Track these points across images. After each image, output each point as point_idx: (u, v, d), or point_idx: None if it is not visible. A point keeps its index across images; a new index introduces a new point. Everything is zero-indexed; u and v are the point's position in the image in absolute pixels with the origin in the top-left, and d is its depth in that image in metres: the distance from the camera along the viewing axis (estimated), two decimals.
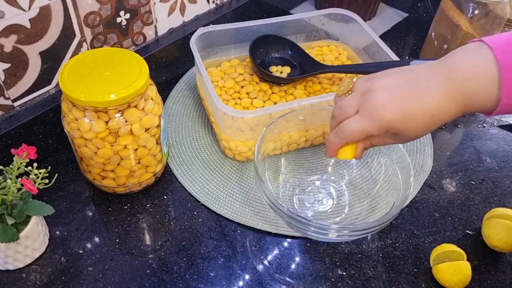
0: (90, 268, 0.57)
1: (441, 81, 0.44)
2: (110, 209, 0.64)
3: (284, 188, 0.67)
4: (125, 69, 0.56)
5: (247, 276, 0.58)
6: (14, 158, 0.52)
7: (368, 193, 0.66)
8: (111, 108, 0.54)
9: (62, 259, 0.58)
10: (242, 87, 0.73)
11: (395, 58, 0.71)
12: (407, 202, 0.67)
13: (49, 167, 0.54)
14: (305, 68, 0.76)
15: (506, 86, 0.41)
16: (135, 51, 0.67)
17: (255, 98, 0.71)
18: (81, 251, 0.59)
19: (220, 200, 0.65)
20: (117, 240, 0.60)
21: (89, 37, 0.69)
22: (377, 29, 1.02)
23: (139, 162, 0.61)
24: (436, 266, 0.58)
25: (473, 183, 0.71)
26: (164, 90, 0.82)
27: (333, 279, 0.58)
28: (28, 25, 0.60)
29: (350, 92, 0.50)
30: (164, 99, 0.79)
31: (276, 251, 0.61)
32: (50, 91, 0.68)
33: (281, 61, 0.78)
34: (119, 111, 0.55)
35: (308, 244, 0.62)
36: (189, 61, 0.85)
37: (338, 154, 0.51)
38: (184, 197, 0.66)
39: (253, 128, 0.66)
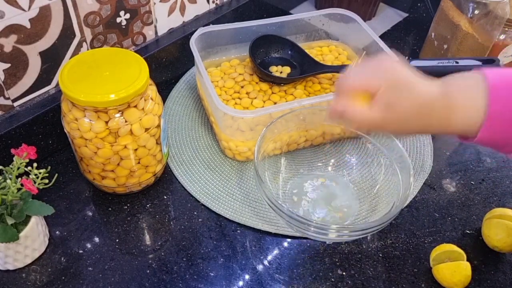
0: (90, 268, 0.57)
1: (436, 85, 0.46)
2: (110, 209, 0.64)
3: (284, 188, 0.67)
4: (125, 69, 0.56)
5: (247, 276, 0.58)
6: (14, 158, 0.52)
7: (368, 193, 0.66)
8: (111, 108, 0.54)
9: (62, 259, 0.58)
10: (242, 87, 0.73)
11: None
12: (407, 202, 0.67)
13: (49, 167, 0.54)
14: (305, 68, 0.76)
15: (493, 99, 0.42)
16: (135, 51, 0.67)
17: (255, 98, 0.71)
18: (81, 251, 0.59)
19: (220, 200, 0.65)
20: (117, 240, 0.60)
21: (89, 37, 0.69)
22: (377, 29, 1.02)
23: (139, 162, 0.61)
24: (436, 266, 0.58)
25: (473, 183, 0.71)
26: (164, 90, 0.82)
27: (333, 279, 0.58)
28: (28, 25, 0.60)
29: None
30: (164, 99, 0.79)
31: (276, 251, 0.61)
32: (50, 91, 0.68)
33: (281, 61, 0.78)
34: (119, 111, 0.55)
35: (308, 244, 0.62)
36: (189, 61, 0.85)
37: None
38: (184, 197, 0.66)
39: (253, 128, 0.66)
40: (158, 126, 0.60)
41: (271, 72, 0.75)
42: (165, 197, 0.66)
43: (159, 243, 0.61)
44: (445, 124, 0.45)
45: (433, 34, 0.88)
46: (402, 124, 0.46)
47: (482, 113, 0.43)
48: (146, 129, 0.58)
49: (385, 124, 0.47)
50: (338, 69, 0.74)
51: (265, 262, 0.59)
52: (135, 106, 0.56)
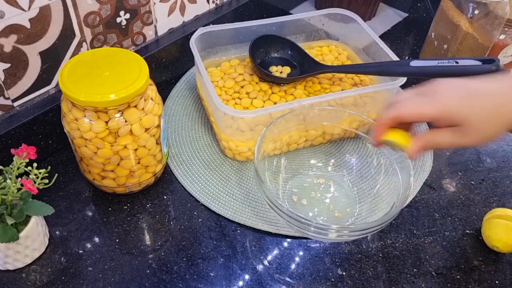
0: (90, 268, 0.57)
1: (504, 78, 0.41)
2: (110, 209, 0.64)
3: (284, 188, 0.67)
4: (125, 69, 0.56)
5: (247, 276, 0.58)
6: (14, 158, 0.52)
7: (368, 193, 0.66)
8: (111, 108, 0.54)
9: (62, 259, 0.58)
10: (242, 87, 0.73)
11: (395, 58, 0.71)
12: (407, 202, 0.67)
13: (49, 167, 0.54)
14: (305, 68, 0.76)
15: None
16: (135, 51, 0.67)
17: (255, 98, 0.71)
18: (81, 251, 0.59)
19: (220, 200, 0.65)
20: (117, 240, 0.60)
21: (89, 37, 0.69)
22: (377, 29, 1.02)
23: (139, 162, 0.61)
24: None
25: (473, 183, 0.71)
26: (164, 90, 0.82)
27: (333, 279, 0.58)
28: (28, 25, 0.60)
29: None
30: (164, 99, 0.79)
31: (276, 251, 0.61)
32: (50, 91, 0.68)
33: (281, 61, 0.78)
34: (119, 111, 0.55)
35: (308, 244, 0.62)
36: (189, 61, 0.85)
37: (387, 134, 0.47)
38: (184, 197, 0.66)
39: (253, 128, 0.66)
40: (158, 126, 0.60)
41: (271, 72, 0.75)
42: (165, 197, 0.66)
43: (159, 243, 0.61)
44: None
45: (433, 34, 0.88)
46: (488, 129, 0.42)
47: None
48: (146, 129, 0.58)
49: (464, 143, 0.43)
50: (338, 69, 0.74)
51: (265, 262, 0.59)
52: (135, 106, 0.56)
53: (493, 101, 0.40)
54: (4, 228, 0.52)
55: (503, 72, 0.43)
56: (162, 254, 0.59)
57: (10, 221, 0.52)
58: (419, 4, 1.10)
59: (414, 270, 0.59)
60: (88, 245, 0.60)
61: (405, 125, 0.47)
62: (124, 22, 0.73)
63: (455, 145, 0.43)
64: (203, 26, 0.77)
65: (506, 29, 0.85)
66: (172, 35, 0.81)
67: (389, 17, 1.07)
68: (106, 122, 0.55)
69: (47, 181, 0.53)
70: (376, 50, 0.75)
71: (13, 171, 0.52)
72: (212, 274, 0.57)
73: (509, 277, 0.60)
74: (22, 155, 0.52)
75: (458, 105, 0.41)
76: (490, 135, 0.41)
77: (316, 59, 0.76)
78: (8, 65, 0.61)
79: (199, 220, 0.63)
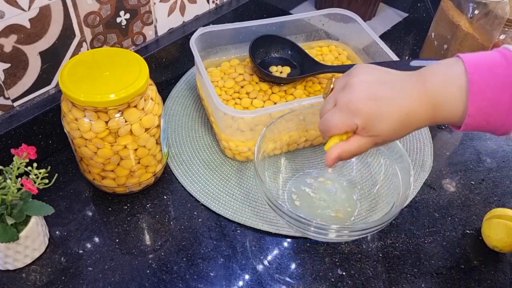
0: (90, 268, 0.57)
1: (415, 85, 0.47)
2: (110, 209, 0.64)
3: (284, 188, 0.67)
4: (125, 69, 0.56)
5: (247, 276, 0.58)
6: (14, 158, 0.52)
7: (368, 193, 0.66)
8: (111, 108, 0.54)
9: (62, 259, 0.58)
10: (242, 87, 0.73)
11: (395, 58, 0.71)
12: (407, 202, 0.67)
13: (49, 167, 0.54)
14: (305, 68, 0.76)
15: (472, 98, 0.43)
16: (135, 51, 0.67)
17: (255, 98, 0.71)
18: (81, 251, 0.59)
19: (220, 200, 0.65)
20: (117, 240, 0.60)
21: (89, 37, 0.69)
22: (377, 29, 1.02)
23: (139, 162, 0.61)
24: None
25: (473, 183, 0.71)
26: (164, 90, 0.82)
27: (333, 279, 0.58)
28: (28, 25, 0.60)
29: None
30: (164, 99, 0.79)
31: (276, 251, 0.61)
32: (50, 91, 0.68)
33: (281, 61, 0.78)
34: (119, 111, 0.55)
35: (308, 244, 0.62)
36: (189, 61, 0.85)
37: (326, 145, 0.53)
38: (184, 197, 0.66)
39: (253, 128, 0.66)
40: (158, 126, 0.60)
41: (271, 72, 0.75)
42: (165, 197, 0.66)
43: (159, 243, 0.61)
44: (432, 117, 0.47)
45: (433, 34, 0.88)
46: (394, 135, 0.48)
47: (464, 104, 0.44)
48: (146, 129, 0.58)
49: (377, 144, 0.50)
50: (338, 69, 0.74)
51: (265, 262, 0.59)
52: (135, 106, 0.56)
53: (398, 117, 0.46)
54: (4, 228, 0.52)
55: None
56: (162, 254, 0.59)
57: (10, 221, 0.52)
58: (419, 4, 1.10)
59: (414, 270, 0.59)
60: (88, 245, 0.60)
61: None
62: (124, 22, 0.73)
63: (368, 148, 0.50)
64: (203, 26, 0.77)
65: (506, 29, 0.85)
66: (172, 35, 0.81)
67: (389, 17, 1.07)
68: (106, 122, 0.55)
69: (47, 181, 0.53)
70: (376, 50, 0.75)
71: (13, 171, 0.52)
72: (212, 274, 0.57)
73: (509, 277, 0.60)
74: (22, 155, 0.52)
75: (371, 116, 0.47)
76: (394, 138, 0.49)
77: (316, 59, 0.76)
78: (8, 65, 0.61)
79: (199, 220, 0.63)
